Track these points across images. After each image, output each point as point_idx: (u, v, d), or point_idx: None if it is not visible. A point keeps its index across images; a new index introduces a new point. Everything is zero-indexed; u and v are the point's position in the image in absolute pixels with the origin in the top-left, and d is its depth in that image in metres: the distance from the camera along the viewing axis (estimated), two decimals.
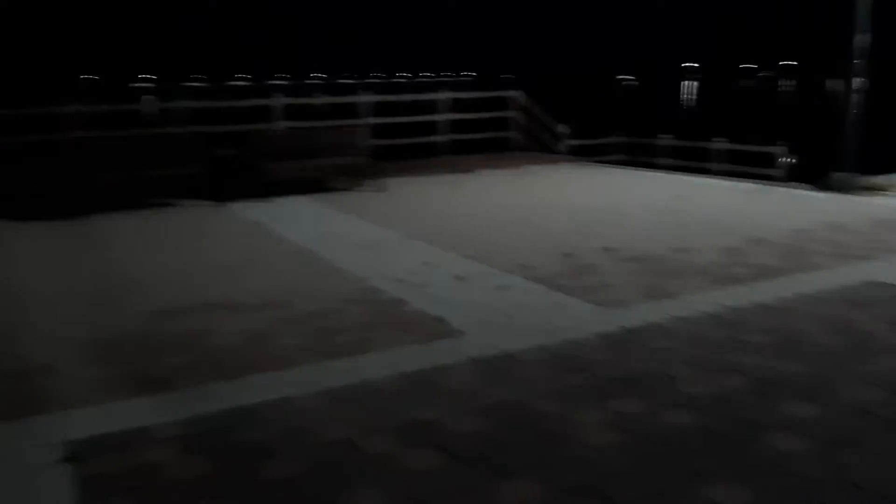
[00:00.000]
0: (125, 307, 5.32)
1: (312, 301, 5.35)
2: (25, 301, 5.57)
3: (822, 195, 9.64)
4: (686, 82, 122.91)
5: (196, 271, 6.29)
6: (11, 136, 11.23)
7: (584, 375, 4.00)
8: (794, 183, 10.93)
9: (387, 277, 5.94)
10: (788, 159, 12.44)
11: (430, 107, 14.47)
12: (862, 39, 9.62)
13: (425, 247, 6.99)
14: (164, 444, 3.33)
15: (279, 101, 12.56)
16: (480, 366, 4.15)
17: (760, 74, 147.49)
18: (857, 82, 9.69)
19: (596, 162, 13.94)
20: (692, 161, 13.10)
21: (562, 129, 14.69)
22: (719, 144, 12.71)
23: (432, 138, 14.15)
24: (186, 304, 5.37)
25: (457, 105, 14.79)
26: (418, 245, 7.08)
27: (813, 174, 10.41)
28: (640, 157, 14.23)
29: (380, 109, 13.87)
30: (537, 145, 14.83)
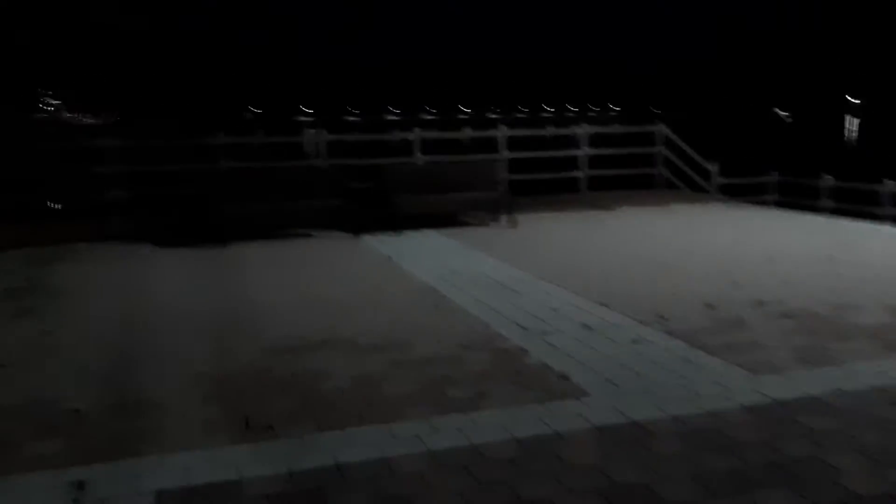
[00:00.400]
0: (246, 340, 5.26)
1: (431, 344, 5.08)
2: (151, 328, 5.64)
3: None
4: (850, 117, 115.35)
5: (321, 305, 6.19)
6: (160, 165, 11.89)
7: (727, 458, 3.47)
8: None
9: (511, 322, 5.59)
10: None
11: (572, 141, 14.06)
12: None
13: (555, 290, 6.59)
14: (255, 502, 3.13)
15: (418, 134, 12.57)
16: (605, 436, 3.70)
17: None
18: None
19: (747, 202, 13.00)
20: (858, 205, 11.91)
21: (710, 165, 13.85)
22: (891, 187, 11.48)
23: (572, 173, 13.71)
24: (307, 339, 5.24)
25: (599, 139, 14.30)
26: (548, 287, 6.68)
27: None
28: (797, 198, 13.13)
29: (519, 143, 13.61)
30: (683, 183, 14.06)
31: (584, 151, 13.70)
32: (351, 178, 10.97)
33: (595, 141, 13.97)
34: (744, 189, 14.59)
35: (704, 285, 6.69)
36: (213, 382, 4.47)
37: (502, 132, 13.12)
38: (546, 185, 13.89)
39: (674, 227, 10.02)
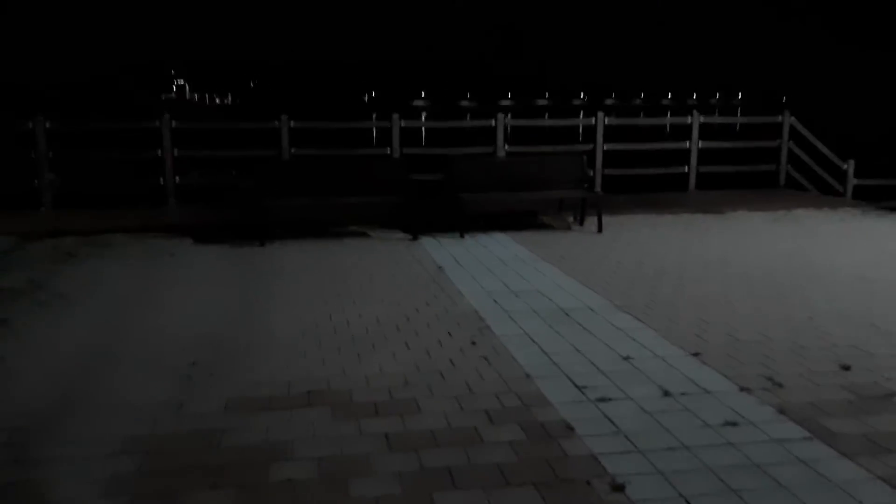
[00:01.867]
0: (218, 385, 4.12)
1: (446, 408, 3.78)
2: (117, 360, 4.58)
3: None
4: None
5: (337, 337, 4.99)
6: (217, 151, 11.04)
7: None
8: None
9: (563, 376, 4.20)
10: None
11: (681, 133, 12.30)
12: None
13: (634, 326, 5.12)
14: None
15: (500, 121, 11.17)
16: None
17: None
18: None
19: (888, 210, 10.90)
20: None
21: (845, 164, 11.78)
22: None
23: (679, 169, 11.97)
24: (292, 389, 4.04)
25: (715, 130, 12.46)
26: (625, 321, 5.23)
27: None
28: None
29: (619, 134, 11.99)
30: (811, 183, 12.05)
31: (695, 144, 11.92)
32: (417, 170, 9.73)
33: (710, 132, 12.15)
34: (883, 192, 12.38)
35: (835, 328, 5.06)
36: (135, 456, 3.33)
37: (599, 120, 11.53)
38: (649, 182, 12.22)
39: (796, 240, 8.24)
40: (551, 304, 5.68)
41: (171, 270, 6.94)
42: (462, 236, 8.41)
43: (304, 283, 6.37)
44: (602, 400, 3.88)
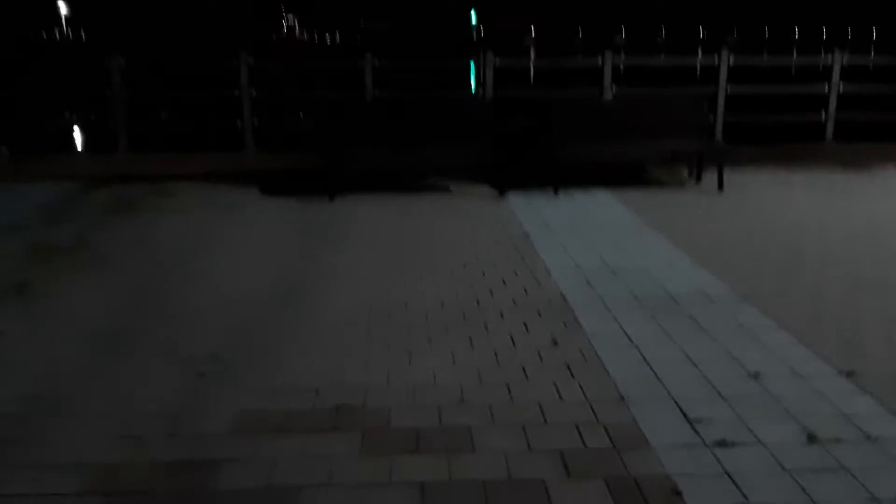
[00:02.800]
0: (224, 385, 3.35)
1: (508, 443, 2.86)
2: (127, 346, 3.89)
3: None
4: None
5: (377, 320, 4.14)
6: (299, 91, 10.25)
7: None
8: None
9: (671, 402, 3.19)
10: None
11: (819, 73, 10.60)
12: None
13: (765, 326, 4.02)
14: None
15: (609, 59, 9.87)
16: None
17: None
18: None
19: None
20: None
21: None
22: None
23: (817, 117, 10.36)
24: (308, 397, 3.22)
25: (859, 72, 10.69)
26: (753, 318, 4.12)
27: None
28: None
29: (744, 75, 10.45)
30: None
31: (837, 88, 10.25)
32: (509, 115, 8.65)
33: (853, 74, 10.42)
34: None
35: None
36: (97, 478, 2.59)
37: (723, 59, 10.03)
38: (778, 132, 10.65)
39: None
40: (658, 289, 4.62)
41: (228, 227, 6.24)
42: (556, 193, 7.36)
43: (367, 250, 5.53)
44: (722, 445, 2.86)
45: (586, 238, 5.81)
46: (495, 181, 7.57)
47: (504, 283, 4.76)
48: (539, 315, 4.21)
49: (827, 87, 10.16)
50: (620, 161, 8.24)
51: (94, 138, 9.94)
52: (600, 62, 9.78)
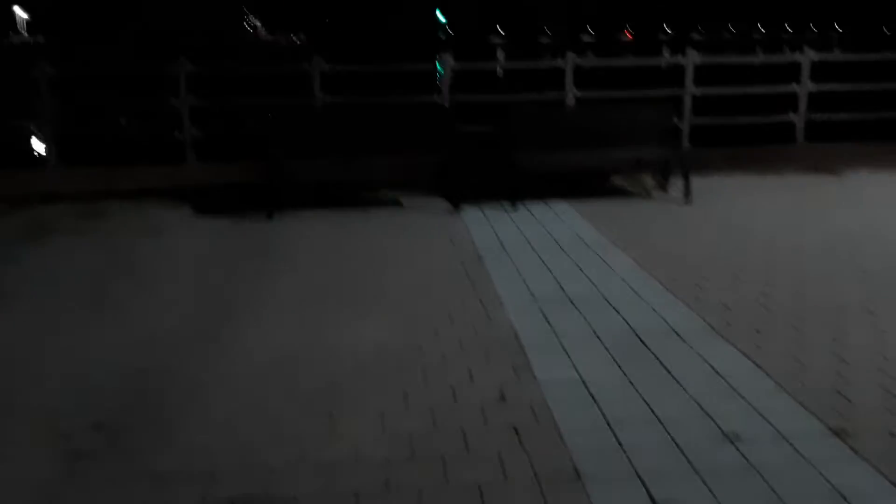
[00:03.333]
0: (95, 471, 2.78)
1: None
2: (9, 401, 3.30)
3: None
4: None
5: (302, 371, 3.59)
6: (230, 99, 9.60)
7: None
8: None
9: (636, 480, 2.68)
10: None
11: (788, 73, 10.21)
12: None
13: (743, 370, 3.54)
14: None
15: (571, 60, 9.38)
16: None
17: None
18: None
19: None
20: None
21: None
22: None
23: (785, 117, 9.97)
24: (196, 489, 2.67)
25: (829, 70, 10.33)
26: (729, 359, 3.64)
27: None
28: None
29: (711, 75, 10.04)
30: None
31: (806, 87, 9.88)
32: (468, 121, 8.12)
33: (820, 73, 10.05)
34: None
35: None
36: None
37: (689, 58, 9.60)
38: (747, 134, 10.26)
39: None
40: (620, 324, 4.12)
41: (152, 254, 5.64)
42: (514, 206, 6.85)
43: (301, 280, 4.97)
44: None
45: (544, 259, 5.30)
46: (450, 194, 7.04)
47: (451, 319, 4.23)
48: (487, 359, 3.69)
49: (797, 87, 9.79)
50: (582, 170, 7.76)
51: (19, 153, 9.22)
52: (563, 64, 9.32)
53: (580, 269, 5.07)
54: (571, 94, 9.22)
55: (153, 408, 3.26)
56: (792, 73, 9.87)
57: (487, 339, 3.93)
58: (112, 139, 9.87)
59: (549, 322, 4.14)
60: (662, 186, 7.54)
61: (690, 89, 9.45)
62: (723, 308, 4.31)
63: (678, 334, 3.96)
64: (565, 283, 4.80)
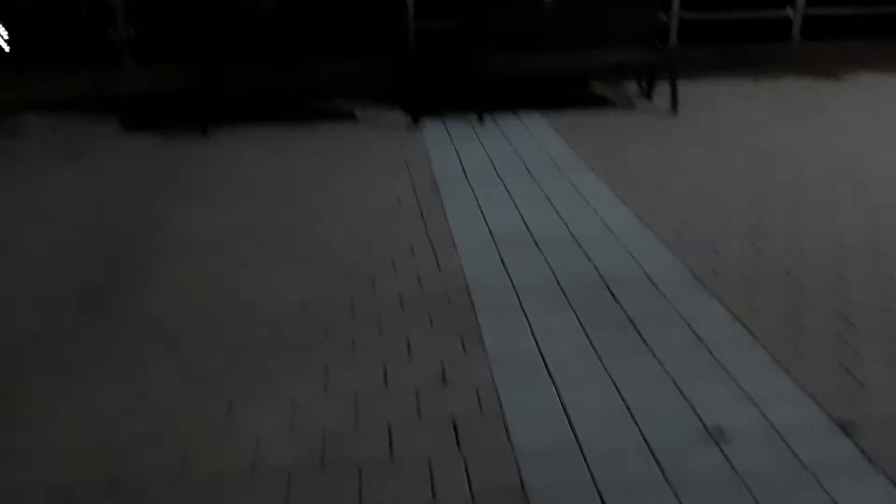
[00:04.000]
0: None
1: None
2: None
3: None
4: None
5: (211, 332, 3.00)
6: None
7: None
8: None
9: (588, 490, 2.16)
10: None
11: None
12: None
13: (733, 335, 2.99)
14: None
15: None
16: None
17: None
18: None
19: None
20: None
21: None
22: None
23: (783, 12, 9.12)
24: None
25: None
26: (718, 320, 3.09)
27: None
28: None
29: None
30: None
31: None
32: (425, 19, 7.24)
33: None
34: None
35: None
36: None
37: None
38: (738, 31, 9.43)
39: None
40: (590, 271, 3.53)
41: (60, 182, 4.93)
42: (481, 120, 6.13)
43: (225, 214, 4.31)
44: None
45: (509, 187, 4.66)
46: (409, 106, 6.29)
47: (394, 266, 3.62)
48: (430, 323, 3.11)
49: None
50: (558, 75, 7.00)
51: None
52: None
53: (549, 200, 4.44)
54: None
55: (18, 396, 2.68)
56: None
57: (433, 295, 3.33)
58: (31, 41, 8.87)
59: (507, 271, 3.55)
60: (647, 94, 6.82)
61: None
62: (707, 250, 3.73)
63: (656, 285, 3.38)
64: (530, 218, 4.18)
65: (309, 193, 4.60)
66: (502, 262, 3.65)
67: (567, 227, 4.05)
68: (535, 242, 3.86)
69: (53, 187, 4.80)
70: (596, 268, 3.56)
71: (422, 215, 4.24)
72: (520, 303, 3.25)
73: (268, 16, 6.65)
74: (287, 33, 6.22)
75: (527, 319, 3.12)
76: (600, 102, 6.71)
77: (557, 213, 4.24)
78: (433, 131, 5.89)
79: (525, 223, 4.10)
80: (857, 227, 4.01)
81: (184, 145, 5.61)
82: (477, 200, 4.46)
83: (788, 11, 8.97)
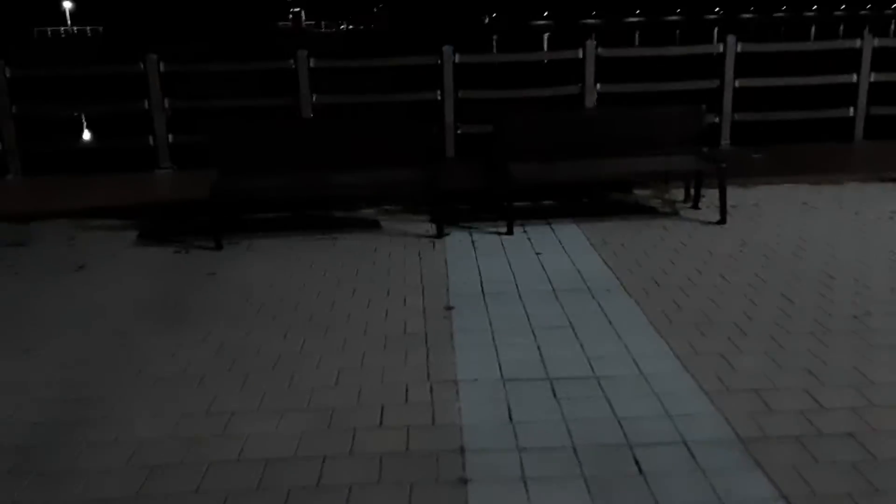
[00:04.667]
0: None
1: None
2: None
3: None
4: None
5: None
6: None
7: None
8: None
9: None
10: None
11: (846, 60, 8.81)
12: None
13: None
14: None
15: (591, 50, 8.15)
16: None
17: None
18: None
19: None
20: None
21: None
22: None
23: (844, 111, 8.61)
24: None
25: (890, 57, 8.93)
26: (765, 500, 2.48)
27: None
28: None
29: (755, 64, 8.72)
30: None
31: (866, 77, 8.49)
32: (470, 120, 6.96)
33: (884, 60, 8.65)
34: None
35: None
36: None
37: (729, 47, 8.30)
38: (799, 131, 8.93)
39: None
40: (613, 427, 2.96)
41: (50, 300, 4.64)
42: (509, 230, 5.69)
43: (211, 341, 3.90)
44: None
45: (530, 311, 4.16)
46: (436, 215, 5.91)
47: (381, 419, 3.12)
48: (409, 501, 2.58)
49: (856, 77, 8.40)
50: (595, 182, 6.56)
51: None
52: (580, 54, 8.10)
53: (573, 329, 3.92)
54: (593, 90, 8.04)
55: None
56: (851, 61, 8.48)
57: (420, 458, 2.81)
58: (70, 150, 8.93)
59: (513, 425, 3.01)
60: (693, 201, 6.31)
61: (731, 81, 8.19)
62: (759, 406, 3.13)
63: (692, 454, 2.79)
64: (549, 351, 3.66)
65: (310, 319, 4.19)
66: (509, 412, 3.12)
67: (591, 365, 3.51)
68: (552, 385, 3.33)
69: (41, 309, 4.50)
70: (620, 424, 3.00)
71: (427, 347, 3.76)
72: (522, 471, 2.71)
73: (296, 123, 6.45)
74: (314, 139, 5.97)
75: (527, 493, 2.57)
76: (642, 210, 6.23)
77: (582, 346, 3.71)
78: (458, 243, 5.48)
79: (542, 359, 3.58)
80: None
81: (194, 260, 5.31)
82: (491, 327, 3.97)
83: (849, 111, 8.45)
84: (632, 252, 5.14)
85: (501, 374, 3.45)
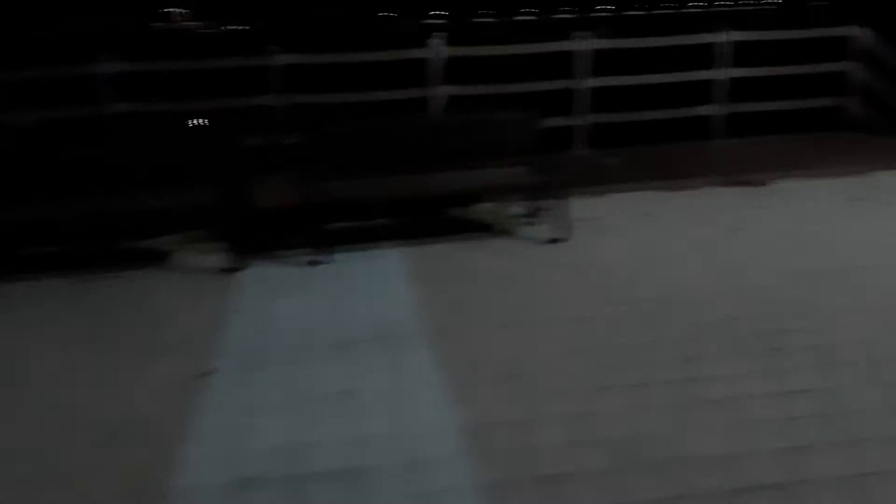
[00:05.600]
0: None
1: None
2: None
3: None
4: None
5: None
6: None
7: None
8: None
9: None
10: None
11: (701, 56, 8.41)
12: None
13: None
14: None
15: (436, 49, 7.43)
16: None
17: None
18: None
19: None
20: None
21: None
22: None
23: (700, 110, 8.22)
24: None
25: (748, 52, 8.57)
26: None
27: None
28: None
29: (610, 62, 8.21)
30: (891, 122, 8.18)
31: (724, 73, 8.14)
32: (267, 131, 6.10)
33: (744, 54, 8.31)
34: None
35: None
36: None
37: (583, 44, 7.76)
38: (655, 132, 8.48)
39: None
40: None
41: None
42: (315, 262, 4.87)
43: None
44: None
45: (312, 377, 3.36)
46: (233, 243, 5.02)
47: None
48: None
49: (712, 74, 8.03)
50: (414, 201, 5.81)
51: None
52: (425, 54, 7.39)
53: (352, 398, 3.14)
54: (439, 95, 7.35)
55: None
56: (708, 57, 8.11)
57: None
58: None
59: None
60: (532, 215, 5.65)
61: (586, 81, 7.68)
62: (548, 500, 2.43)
63: None
64: (312, 435, 2.87)
65: (22, 404, 3.25)
66: None
67: (361, 453, 2.74)
68: (299, 487, 2.53)
69: None
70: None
71: (150, 442, 2.90)
72: None
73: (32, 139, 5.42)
74: (71, 161, 4.96)
75: None
76: (478, 229, 5.52)
77: (358, 424, 2.94)
78: (255, 279, 4.62)
79: (301, 445, 2.79)
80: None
81: None
82: (251, 403, 3.14)
83: (709, 110, 8.08)
84: (452, 284, 4.42)
85: (238, 475, 2.64)
